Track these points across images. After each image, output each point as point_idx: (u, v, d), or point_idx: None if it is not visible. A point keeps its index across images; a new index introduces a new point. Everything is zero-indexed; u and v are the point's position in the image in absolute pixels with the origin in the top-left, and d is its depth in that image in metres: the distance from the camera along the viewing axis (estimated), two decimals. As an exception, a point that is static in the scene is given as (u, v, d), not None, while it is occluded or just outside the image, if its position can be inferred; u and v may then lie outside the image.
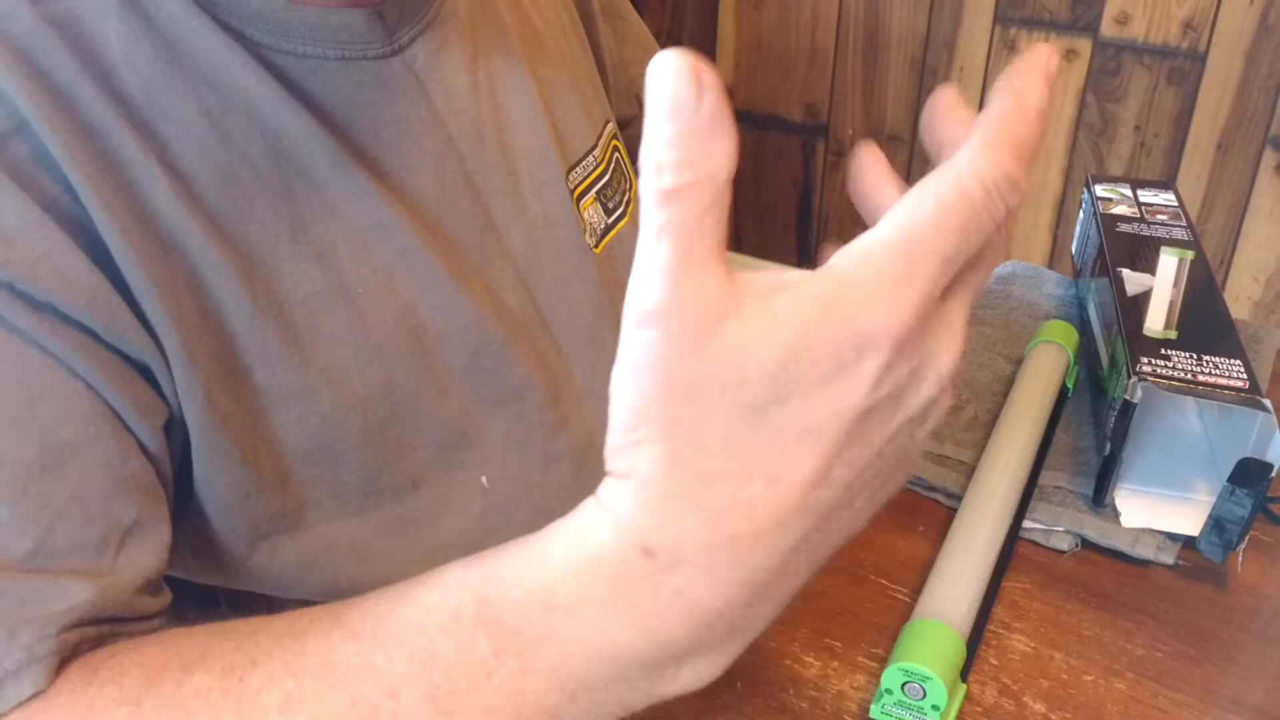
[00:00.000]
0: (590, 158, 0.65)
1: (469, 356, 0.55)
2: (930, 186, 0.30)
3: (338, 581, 0.53)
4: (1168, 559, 0.60)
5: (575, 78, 0.66)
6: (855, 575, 0.62)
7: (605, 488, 0.32)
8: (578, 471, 0.61)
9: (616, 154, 0.68)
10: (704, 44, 2.07)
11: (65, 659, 0.41)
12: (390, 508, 0.54)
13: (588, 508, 0.33)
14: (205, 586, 0.54)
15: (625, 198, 0.68)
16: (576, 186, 0.63)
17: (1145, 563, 0.61)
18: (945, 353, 0.31)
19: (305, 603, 0.56)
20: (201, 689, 0.38)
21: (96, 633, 0.42)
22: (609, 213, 0.65)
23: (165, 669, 0.40)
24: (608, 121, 0.69)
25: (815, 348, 0.29)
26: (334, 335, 0.51)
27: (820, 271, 0.30)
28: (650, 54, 0.81)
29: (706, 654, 0.33)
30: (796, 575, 0.32)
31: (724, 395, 0.29)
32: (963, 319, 0.32)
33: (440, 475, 0.55)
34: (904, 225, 0.29)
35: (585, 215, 0.63)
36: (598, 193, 0.65)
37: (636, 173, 0.78)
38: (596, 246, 0.64)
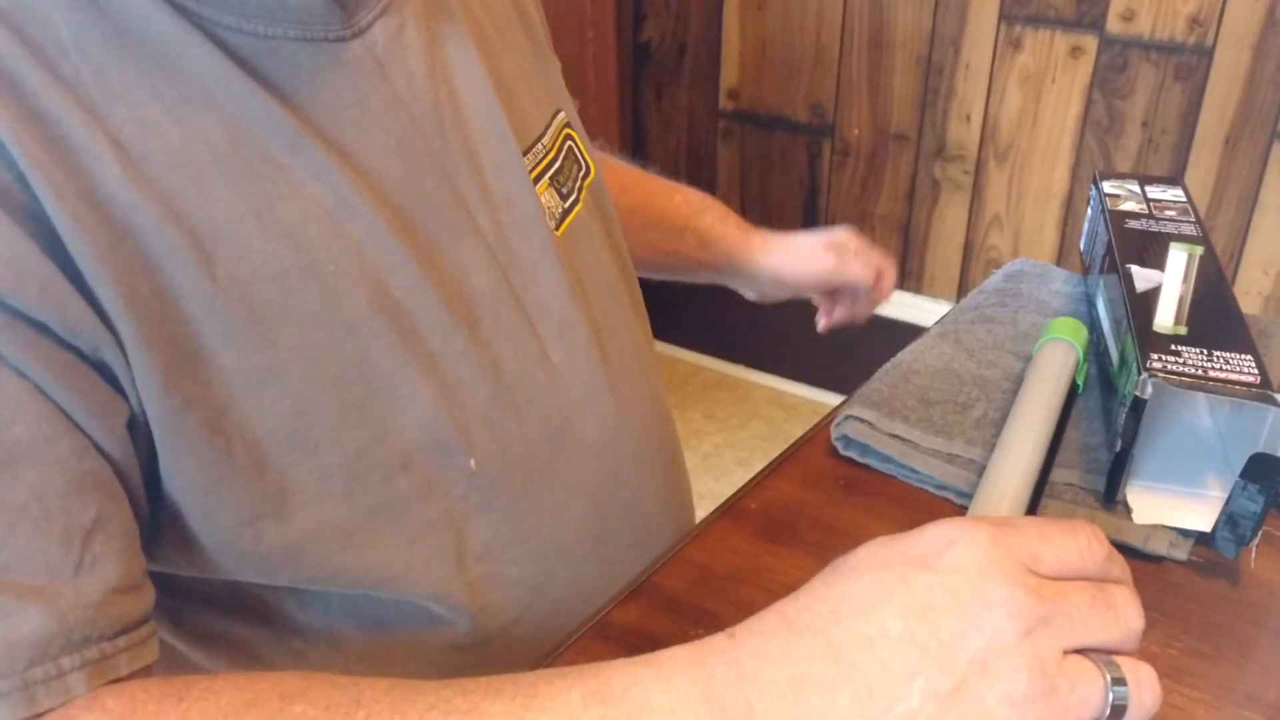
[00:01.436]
0: (539, 145, 0.65)
1: (441, 339, 0.55)
2: None
3: (326, 566, 0.53)
4: (1180, 555, 0.60)
5: (520, 68, 0.66)
6: (867, 575, 0.62)
7: None
8: (554, 450, 0.61)
9: (569, 142, 0.69)
10: (709, 46, 2.07)
11: (62, 688, 0.40)
12: (378, 490, 0.54)
13: None
14: (196, 580, 0.54)
15: (577, 184, 0.68)
16: (531, 171, 0.63)
17: (1158, 559, 0.60)
18: None
19: (293, 590, 0.56)
20: (305, 717, 0.39)
21: (81, 659, 0.41)
22: (564, 198, 0.66)
23: (264, 698, 0.40)
24: (558, 110, 0.69)
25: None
26: (305, 313, 0.50)
27: None
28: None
29: None
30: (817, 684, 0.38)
31: None
32: None
33: (427, 456, 0.55)
34: None
35: (544, 199, 0.63)
36: (551, 178, 0.65)
37: (594, 160, 0.79)
38: (558, 229, 0.64)
